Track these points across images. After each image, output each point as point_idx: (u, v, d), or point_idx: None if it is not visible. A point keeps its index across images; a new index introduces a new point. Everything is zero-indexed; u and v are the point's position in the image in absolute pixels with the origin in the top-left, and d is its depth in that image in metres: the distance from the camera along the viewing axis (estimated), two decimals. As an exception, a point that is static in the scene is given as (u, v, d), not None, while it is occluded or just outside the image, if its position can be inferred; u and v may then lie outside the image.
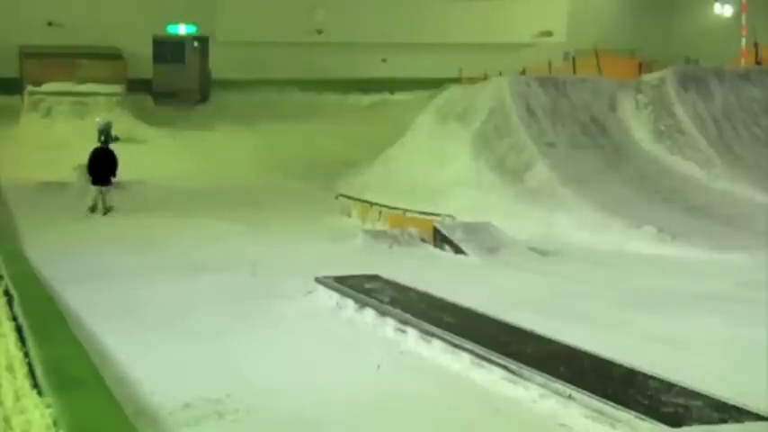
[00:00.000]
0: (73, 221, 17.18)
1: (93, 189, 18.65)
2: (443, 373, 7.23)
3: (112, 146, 20.62)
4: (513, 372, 6.77)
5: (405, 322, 8.37)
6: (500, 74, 24.65)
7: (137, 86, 30.45)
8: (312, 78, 32.10)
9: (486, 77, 24.94)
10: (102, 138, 22.68)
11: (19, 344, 7.06)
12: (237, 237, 15.70)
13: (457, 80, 27.16)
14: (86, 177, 19.16)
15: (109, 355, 7.68)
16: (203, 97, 33.01)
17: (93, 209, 18.44)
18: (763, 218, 16.27)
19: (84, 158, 21.62)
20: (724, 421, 5.60)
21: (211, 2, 32.30)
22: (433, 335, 7.87)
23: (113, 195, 19.23)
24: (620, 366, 6.79)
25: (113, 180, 19.01)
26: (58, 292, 10.23)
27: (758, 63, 23.90)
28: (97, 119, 27.00)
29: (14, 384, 6.11)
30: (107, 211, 18.54)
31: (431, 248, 14.73)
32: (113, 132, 25.67)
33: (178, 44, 34.00)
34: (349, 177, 22.08)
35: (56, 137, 27.00)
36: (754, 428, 5.52)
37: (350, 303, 9.47)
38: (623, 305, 10.08)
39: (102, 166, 18.95)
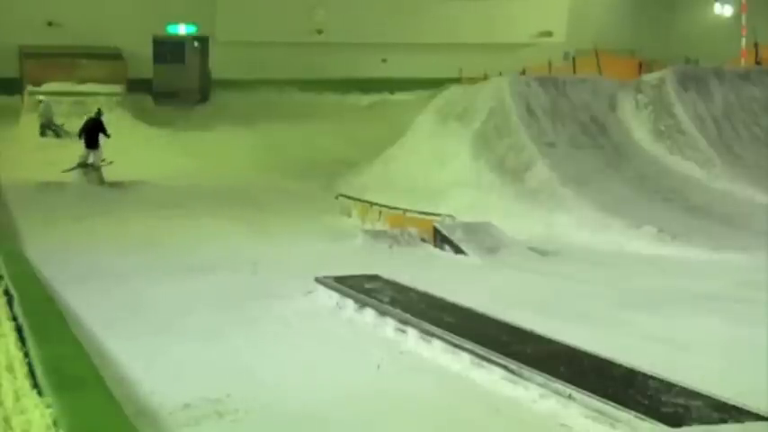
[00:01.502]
0: (73, 221, 17.18)
1: (85, 150, 22.20)
2: (443, 373, 7.23)
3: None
4: (513, 372, 6.77)
5: (405, 322, 8.36)
6: (500, 74, 24.65)
7: (137, 86, 30.46)
8: (312, 78, 32.11)
9: (486, 77, 24.94)
10: (46, 125, 25.49)
11: (19, 344, 7.05)
12: (237, 237, 15.71)
13: (457, 80, 27.17)
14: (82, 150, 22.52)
15: (109, 354, 7.68)
16: (203, 97, 33.02)
17: (82, 164, 21.95)
18: (763, 218, 16.26)
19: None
20: (724, 421, 5.60)
21: (211, 2, 32.30)
22: (433, 335, 7.87)
23: (115, 193, 20.63)
24: (620, 366, 6.79)
25: (101, 144, 22.49)
26: (58, 292, 10.22)
27: (758, 63, 23.90)
28: (40, 98, 27.25)
29: (14, 384, 6.10)
30: (100, 165, 22.01)
31: (431, 248, 14.73)
32: (56, 120, 26.48)
33: (178, 44, 34.01)
34: (349, 177, 22.08)
35: (55, 137, 27.02)
36: (754, 428, 5.52)
37: (350, 303, 9.46)
38: (623, 305, 10.08)
39: (92, 132, 22.39)
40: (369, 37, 32.94)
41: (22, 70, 30.10)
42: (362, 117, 29.98)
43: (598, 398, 6.01)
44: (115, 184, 21.73)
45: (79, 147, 22.56)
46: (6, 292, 9.29)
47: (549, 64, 26.15)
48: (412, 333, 8.16)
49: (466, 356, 7.30)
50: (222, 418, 6.19)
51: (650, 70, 23.58)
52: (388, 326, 8.57)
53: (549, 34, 34.89)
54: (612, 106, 21.33)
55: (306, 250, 14.36)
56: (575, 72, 24.59)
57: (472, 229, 14.75)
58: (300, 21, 32.64)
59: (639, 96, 21.40)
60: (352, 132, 27.46)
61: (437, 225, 15.05)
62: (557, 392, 6.29)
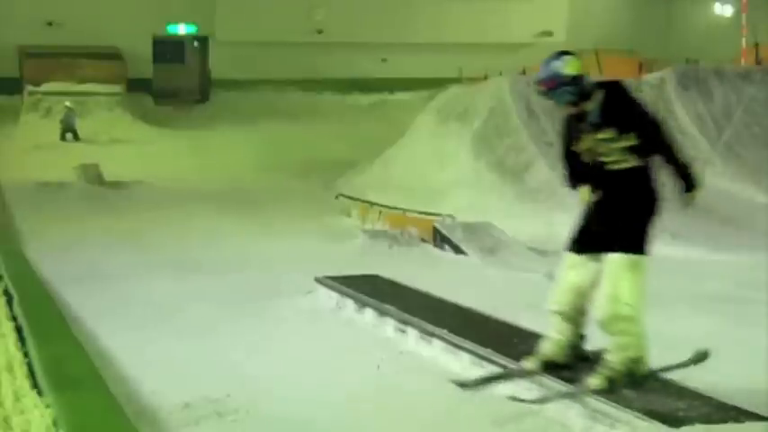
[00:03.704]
0: (73, 221, 17.19)
1: None
2: (443, 373, 7.22)
3: None
4: (512, 371, 6.75)
5: (405, 322, 8.35)
6: (500, 74, 24.66)
7: (137, 86, 30.52)
8: (312, 78, 32.16)
9: (486, 77, 24.96)
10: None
11: (19, 344, 7.06)
12: (237, 236, 15.71)
13: (457, 80, 27.20)
14: None
15: (109, 355, 7.67)
16: (203, 97, 33.07)
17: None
18: (763, 218, 16.26)
19: (83, 159, 22.05)
20: (724, 421, 5.59)
21: (211, 2, 32.35)
22: (432, 335, 7.85)
23: (114, 193, 20.72)
24: (620, 366, 6.77)
25: None
26: (58, 291, 10.23)
27: (758, 63, 23.91)
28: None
29: (14, 384, 6.10)
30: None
31: (431, 248, 14.72)
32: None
33: (178, 44, 34.05)
34: (349, 177, 22.09)
35: (55, 137, 27.03)
36: (754, 428, 5.51)
37: (350, 303, 9.45)
38: (623, 305, 10.06)
39: None
40: (369, 37, 32.96)
41: (22, 70, 30.13)
42: (362, 117, 30.00)
43: (598, 398, 6.00)
44: (115, 184, 21.75)
45: (78, 148, 22.66)
46: (6, 292, 9.30)
47: (549, 64, 26.10)
48: (412, 333, 8.15)
49: (466, 356, 7.29)
50: (222, 418, 6.19)
51: (650, 70, 23.61)
52: (388, 326, 8.56)
53: (549, 34, 34.91)
54: (612, 106, 21.31)
55: (306, 250, 14.35)
56: (575, 72, 24.56)
57: (472, 229, 14.74)
58: (300, 21, 32.67)
59: (639, 96, 21.40)
60: (352, 132, 27.48)
61: (437, 225, 15.04)
62: (557, 392, 6.28)
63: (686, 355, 6.78)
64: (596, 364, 6.07)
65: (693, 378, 6.41)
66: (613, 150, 5.84)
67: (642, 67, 25.72)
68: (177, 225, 16.87)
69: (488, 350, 7.18)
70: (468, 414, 6.37)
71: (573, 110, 6.02)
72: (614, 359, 5.97)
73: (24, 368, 6.36)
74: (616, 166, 5.88)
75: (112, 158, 23.14)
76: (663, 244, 14.54)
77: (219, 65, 32.62)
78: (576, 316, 6.23)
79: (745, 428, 5.52)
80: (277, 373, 7.35)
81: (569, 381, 6.37)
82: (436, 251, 14.54)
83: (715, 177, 18.80)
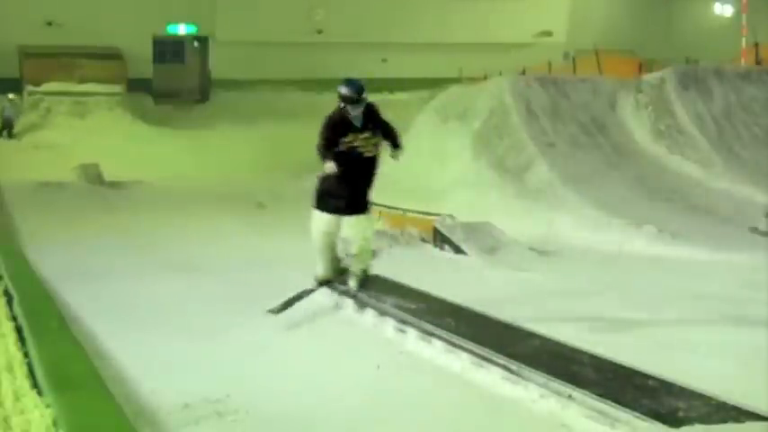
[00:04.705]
0: (72, 221, 17.19)
1: None
2: (443, 373, 7.22)
3: None
4: (513, 372, 6.76)
5: (405, 322, 8.35)
6: (500, 74, 24.66)
7: (137, 86, 30.53)
8: (312, 78, 32.15)
9: (486, 77, 24.95)
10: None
11: (19, 344, 7.06)
12: (237, 236, 15.71)
13: (457, 80, 27.20)
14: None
15: (108, 354, 7.67)
16: (203, 97, 33.07)
17: None
18: (764, 218, 16.25)
19: (83, 159, 22.04)
20: (724, 421, 5.59)
21: (211, 2, 32.35)
22: (432, 335, 7.86)
23: (114, 193, 20.66)
24: (620, 366, 6.78)
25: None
26: (58, 291, 10.22)
27: (758, 63, 23.91)
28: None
29: (14, 384, 6.10)
30: None
31: (431, 248, 14.72)
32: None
33: (178, 44, 34.05)
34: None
35: (55, 137, 27.04)
36: (754, 428, 5.52)
37: (349, 303, 9.45)
38: (623, 305, 10.07)
39: None
40: (369, 37, 32.98)
41: (22, 70, 30.13)
42: (362, 117, 29.91)
43: (598, 398, 6.01)
44: (115, 184, 21.76)
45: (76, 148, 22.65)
46: (6, 292, 9.30)
47: (549, 64, 26.16)
48: (412, 333, 8.15)
49: (466, 356, 7.29)
50: (222, 418, 6.19)
51: (650, 70, 23.59)
52: (388, 326, 8.56)
53: (549, 34, 34.95)
54: (612, 106, 21.32)
55: (305, 250, 14.30)
56: (575, 72, 24.60)
57: (472, 229, 14.73)
58: (300, 21, 32.69)
59: (639, 96, 21.39)
60: (352, 132, 27.43)
61: (437, 225, 15.03)
62: (557, 392, 6.29)
63: (685, 355, 6.78)
64: (347, 273, 9.41)
65: (693, 377, 6.41)
66: (368, 144, 8.86)
67: (642, 67, 25.70)
68: (177, 225, 16.87)
69: (488, 350, 7.18)
70: (468, 413, 6.37)
71: (338, 115, 8.82)
72: (356, 268, 9.36)
73: (24, 368, 6.36)
74: (368, 154, 8.88)
75: (112, 158, 23.13)
76: (663, 244, 14.68)
77: (219, 65, 32.63)
78: (330, 249, 9.36)
79: (745, 428, 5.52)
80: (277, 373, 7.35)
81: (569, 381, 6.40)
82: (436, 251, 14.54)
83: (715, 177, 18.82)
